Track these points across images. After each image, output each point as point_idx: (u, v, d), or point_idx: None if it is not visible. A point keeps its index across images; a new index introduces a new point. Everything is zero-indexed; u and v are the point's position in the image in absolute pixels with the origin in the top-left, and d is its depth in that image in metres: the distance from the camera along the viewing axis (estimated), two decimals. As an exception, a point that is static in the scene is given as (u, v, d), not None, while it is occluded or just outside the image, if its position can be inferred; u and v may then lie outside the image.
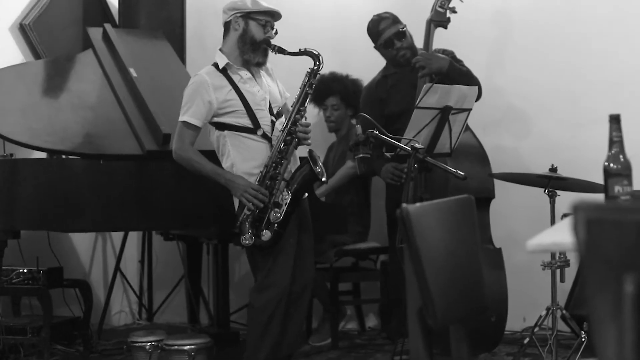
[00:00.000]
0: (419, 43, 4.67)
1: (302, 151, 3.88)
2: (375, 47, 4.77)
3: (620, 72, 5.02)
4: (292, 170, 3.80)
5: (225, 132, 3.83)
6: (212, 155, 3.88)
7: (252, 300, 3.85)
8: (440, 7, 4.56)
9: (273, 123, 3.84)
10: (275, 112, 3.88)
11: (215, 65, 3.89)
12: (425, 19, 4.59)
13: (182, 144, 3.82)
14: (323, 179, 3.82)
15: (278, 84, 4.03)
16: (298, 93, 3.85)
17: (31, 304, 5.19)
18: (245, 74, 3.87)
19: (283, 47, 3.83)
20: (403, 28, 4.68)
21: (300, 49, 3.84)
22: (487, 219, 4.53)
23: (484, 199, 4.52)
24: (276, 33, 3.90)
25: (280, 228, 3.73)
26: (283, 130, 3.78)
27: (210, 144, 3.94)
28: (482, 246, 4.40)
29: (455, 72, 4.48)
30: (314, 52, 3.85)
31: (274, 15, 3.90)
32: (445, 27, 4.58)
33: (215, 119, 3.84)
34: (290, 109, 3.85)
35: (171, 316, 5.77)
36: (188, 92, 3.85)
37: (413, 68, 4.62)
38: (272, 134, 3.82)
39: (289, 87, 4.09)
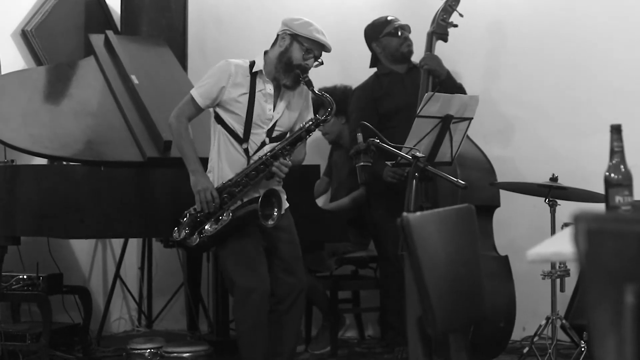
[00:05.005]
0: (419, 56, 4.73)
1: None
2: (376, 41, 4.80)
3: (621, 81, 5.00)
4: (255, 195, 3.77)
5: (219, 127, 3.85)
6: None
7: (234, 312, 3.86)
8: (442, 20, 4.65)
9: (263, 144, 3.82)
10: (275, 134, 3.85)
11: (251, 64, 3.86)
12: (425, 32, 4.68)
13: (181, 114, 3.87)
14: (269, 223, 3.77)
15: (306, 109, 3.95)
16: (294, 132, 3.82)
17: (30, 310, 5.18)
18: (270, 88, 3.84)
19: (312, 82, 3.78)
20: None
21: (322, 93, 3.84)
22: (491, 227, 4.57)
23: (490, 207, 4.57)
24: (321, 64, 3.84)
25: (209, 241, 3.80)
26: (261, 158, 3.77)
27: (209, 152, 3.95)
28: (488, 254, 4.44)
29: (450, 82, 4.61)
30: (331, 103, 3.80)
31: (322, 47, 3.83)
32: (445, 40, 4.65)
33: (217, 109, 3.85)
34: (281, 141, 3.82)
35: (170, 323, 5.76)
36: (210, 71, 3.89)
37: (410, 69, 4.71)
38: (254, 154, 3.80)
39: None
